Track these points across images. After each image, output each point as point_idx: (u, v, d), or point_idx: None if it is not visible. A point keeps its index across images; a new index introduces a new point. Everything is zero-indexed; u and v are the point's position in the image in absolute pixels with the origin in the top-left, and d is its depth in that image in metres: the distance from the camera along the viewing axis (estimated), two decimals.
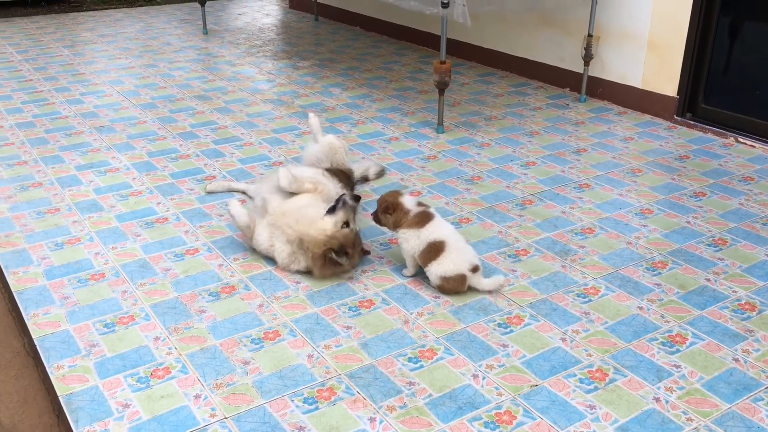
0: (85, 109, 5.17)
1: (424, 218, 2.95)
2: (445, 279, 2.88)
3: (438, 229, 2.93)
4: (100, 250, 3.26)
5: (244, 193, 3.81)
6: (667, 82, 4.95)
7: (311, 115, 3.97)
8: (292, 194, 3.19)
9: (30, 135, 4.65)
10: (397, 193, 3.04)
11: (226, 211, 3.44)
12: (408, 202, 3.00)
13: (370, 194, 3.86)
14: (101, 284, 3.00)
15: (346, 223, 3.00)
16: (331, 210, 3.02)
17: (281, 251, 3.07)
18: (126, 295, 2.93)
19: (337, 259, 2.96)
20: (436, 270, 2.89)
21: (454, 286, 2.89)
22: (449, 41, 4.71)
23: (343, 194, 3.08)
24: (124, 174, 4.07)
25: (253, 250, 3.23)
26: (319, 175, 3.39)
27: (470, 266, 2.88)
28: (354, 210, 3.07)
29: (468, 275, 2.88)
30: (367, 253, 3.18)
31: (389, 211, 2.99)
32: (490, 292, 2.93)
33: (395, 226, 3.00)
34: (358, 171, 3.92)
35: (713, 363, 2.55)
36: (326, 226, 2.97)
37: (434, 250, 2.89)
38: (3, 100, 5.35)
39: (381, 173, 4.08)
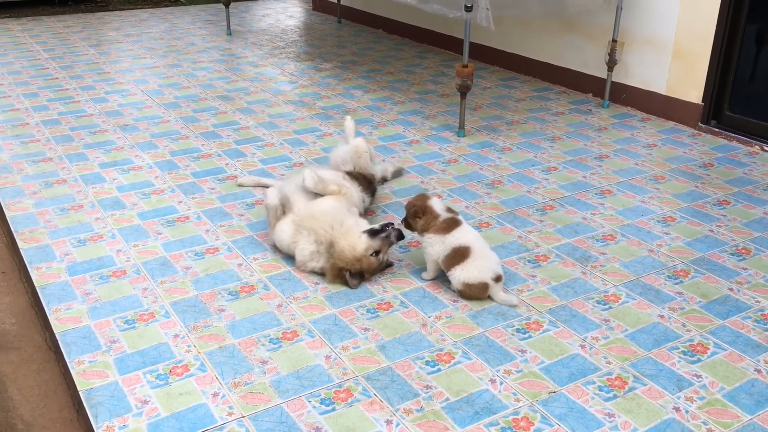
0: (110, 107, 5.22)
1: (451, 224, 2.94)
2: (467, 285, 2.87)
3: (464, 235, 2.92)
4: (122, 247, 3.30)
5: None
6: (692, 89, 4.90)
7: (348, 117, 4.02)
8: (316, 195, 3.20)
9: (55, 132, 4.71)
10: (425, 197, 3.03)
11: (263, 193, 3.46)
12: (437, 206, 2.99)
13: (390, 196, 3.86)
14: (122, 281, 3.03)
15: (377, 252, 2.99)
16: (372, 233, 2.99)
17: (303, 249, 3.07)
18: (146, 292, 2.95)
19: (349, 279, 2.97)
20: (460, 275, 2.88)
21: (476, 293, 2.88)
22: (472, 45, 4.70)
23: (391, 225, 3.04)
24: (147, 172, 4.11)
25: (274, 250, 3.25)
26: (341, 178, 3.40)
27: (494, 275, 2.87)
28: (391, 245, 3.05)
29: (490, 284, 2.87)
30: (390, 264, 3.17)
31: (419, 215, 2.98)
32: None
33: (423, 230, 2.99)
34: (378, 174, 3.92)
35: (735, 373, 2.52)
36: (359, 246, 2.96)
37: (459, 255, 2.88)
38: (30, 97, 5.42)
39: (399, 173, 4.09)
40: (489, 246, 3.00)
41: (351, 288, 2.98)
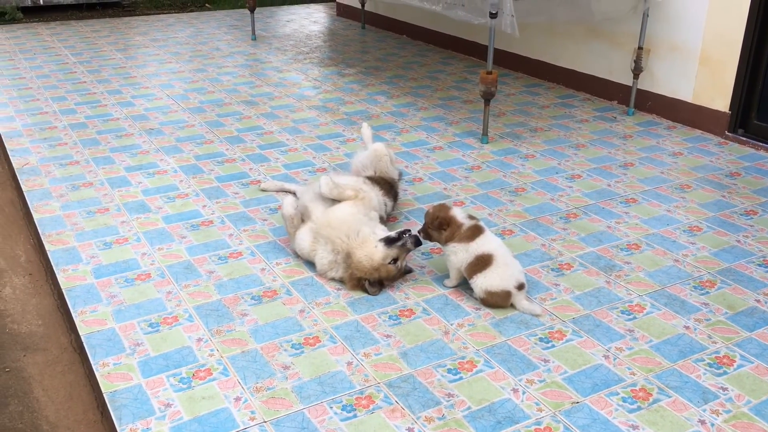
0: (136, 111, 5.28)
1: (475, 232, 2.92)
2: (489, 293, 2.86)
3: (487, 242, 2.91)
4: (146, 250, 3.33)
5: (294, 194, 3.85)
6: (719, 97, 4.85)
7: (364, 124, 4.02)
8: (334, 201, 3.21)
9: (82, 136, 4.77)
10: (446, 207, 3.02)
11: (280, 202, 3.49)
12: (459, 215, 2.97)
13: (413, 202, 3.86)
14: (147, 284, 3.05)
15: (395, 259, 2.99)
16: (389, 242, 2.99)
17: (322, 258, 3.08)
18: (170, 296, 2.98)
19: (369, 288, 2.98)
20: (482, 284, 2.86)
21: (498, 302, 2.87)
22: (496, 51, 4.69)
23: (408, 231, 3.02)
24: (172, 176, 4.15)
25: (296, 255, 3.26)
26: (361, 183, 3.40)
27: (516, 283, 2.86)
28: (408, 252, 3.05)
29: (513, 292, 2.86)
30: (410, 271, 3.17)
31: (443, 227, 2.96)
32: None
33: (446, 242, 2.98)
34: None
35: (762, 387, 2.48)
36: (376, 255, 2.96)
37: (481, 263, 2.87)
38: (58, 101, 5.50)
39: (399, 177, 4.02)
40: (512, 254, 2.98)
41: (371, 295, 2.98)
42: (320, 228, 3.09)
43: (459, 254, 2.93)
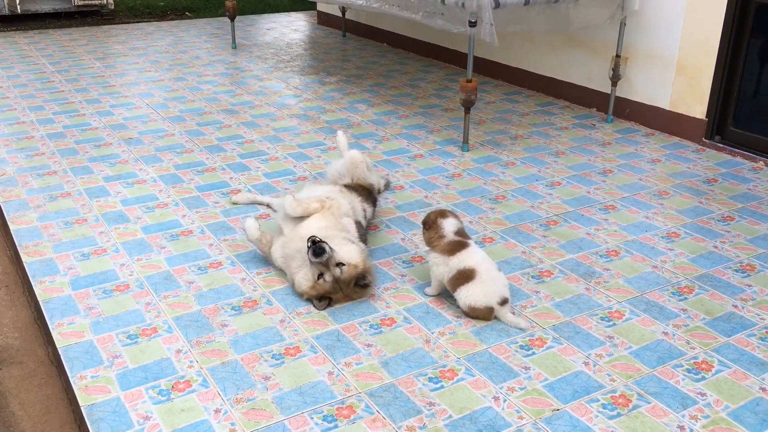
0: (115, 120, 5.25)
1: (456, 247, 2.90)
2: (472, 309, 2.85)
3: (469, 257, 2.88)
4: (125, 261, 3.30)
5: (268, 206, 3.83)
6: (696, 105, 4.90)
7: (339, 132, 4.00)
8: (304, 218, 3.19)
9: (60, 145, 4.73)
10: (440, 214, 3.00)
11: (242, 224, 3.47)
12: (447, 225, 2.95)
13: (394, 211, 3.86)
14: (126, 295, 3.03)
15: (320, 275, 2.91)
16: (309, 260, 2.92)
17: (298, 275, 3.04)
18: (149, 307, 2.95)
19: (316, 304, 2.96)
20: (465, 299, 2.85)
21: (481, 316, 2.86)
22: (476, 59, 4.72)
23: (310, 240, 2.89)
24: (151, 186, 4.12)
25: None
26: (335, 191, 3.38)
27: (500, 299, 2.84)
28: (321, 265, 2.89)
29: (496, 308, 2.85)
30: (366, 285, 3.01)
31: (426, 227, 2.99)
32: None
33: (427, 244, 2.99)
34: (375, 184, 3.89)
35: (739, 392, 2.50)
36: (308, 276, 2.94)
37: (464, 276, 2.86)
38: (35, 110, 5.45)
39: (387, 185, 4.03)
40: (498, 268, 2.96)
41: (318, 310, 2.96)
42: (287, 247, 3.09)
43: (439, 267, 2.92)
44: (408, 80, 6.47)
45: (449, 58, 7.01)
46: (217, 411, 2.37)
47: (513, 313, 2.90)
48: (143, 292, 3.05)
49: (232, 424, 2.32)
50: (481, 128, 5.19)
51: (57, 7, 9.04)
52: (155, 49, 7.55)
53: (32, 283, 3.12)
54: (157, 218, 3.72)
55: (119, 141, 4.83)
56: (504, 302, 2.85)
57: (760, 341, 2.78)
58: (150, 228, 3.61)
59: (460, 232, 2.98)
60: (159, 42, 7.92)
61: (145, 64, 6.90)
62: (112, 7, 9.34)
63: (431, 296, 3.04)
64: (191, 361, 2.61)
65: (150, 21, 9.23)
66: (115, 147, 4.72)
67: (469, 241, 2.96)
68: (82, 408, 2.39)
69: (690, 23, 4.81)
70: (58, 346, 2.70)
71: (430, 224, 2.97)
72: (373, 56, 7.38)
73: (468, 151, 4.75)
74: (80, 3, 9.07)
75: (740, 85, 4.70)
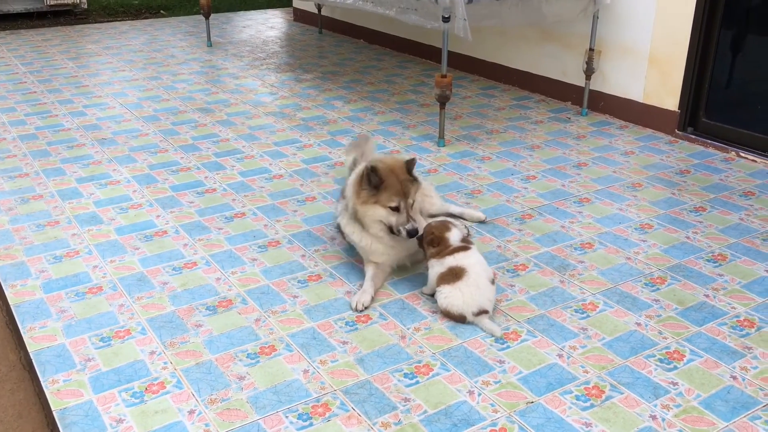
0: (88, 121, 5.19)
1: (456, 248, 2.89)
2: (446, 312, 2.84)
3: (465, 258, 2.85)
4: (98, 263, 3.27)
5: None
6: (669, 97, 4.94)
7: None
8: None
9: (32, 147, 4.67)
10: (445, 228, 2.96)
11: None
12: (453, 237, 2.92)
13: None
14: (98, 298, 3.00)
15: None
16: None
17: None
18: (123, 308, 2.93)
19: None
20: (443, 301, 2.82)
21: (453, 320, 2.85)
22: (451, 54, 4.73)
23: None
24: (125, 186, 4.08)
25: (252, 263, 3.23)
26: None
27: (478, 310, 2.79)
28: None
29: (469, 317, 2.80)
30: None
31: (433, 245, 2.94)
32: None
33: (432, 257, 2.93)
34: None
35: (711, 380, 2.53)
36: None
37: (453, 274, 2.83)
38: (7, 112, 5.38)
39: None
40: (491, 279, 2.88)
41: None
42: None
43: (435, 267, 2.91)
44: (384, 76, 6.47)
45: (425, 53, 7.01)
46: (191, 412, 2.36)
47: (489, 319, 2.84)
48: (116, 293, 3.03)
49: (207, 425, 2.31)
50: (457, 123, 5.20)
51: (29, 7, 8.92)
52: (129, 48, 7.48)
53: (3, 287, 3.09)
54: (131, 219, 3.69)
55: (92, 142, 4.78)
56: (481, 313, 2.80)
57: (731, 330, 2.81)
58: (124, 229, 3.59)
59: (465, 239, 2.97)
60: (133, 41, 7.84)
61: (119, 64, 6.83)
62: (86, 6, 9.24)
63: (428, 295, 3.02)
64: (165, 363, 2.60)
65: (124, 20, 9.14)
66: (89, 148, 4.67)
67: (471, 246, 2.95)
68: (54, 412, 2.36)
69: (661, 16, 4.85)
70: (29, 350, 2.67)
71: (438, 242, 2.93)
72: (350, 53, 7.37)
73: (444, 146, 4.75)
74: (53, 3, 8.95)
75: (712, 77, 4.74)
